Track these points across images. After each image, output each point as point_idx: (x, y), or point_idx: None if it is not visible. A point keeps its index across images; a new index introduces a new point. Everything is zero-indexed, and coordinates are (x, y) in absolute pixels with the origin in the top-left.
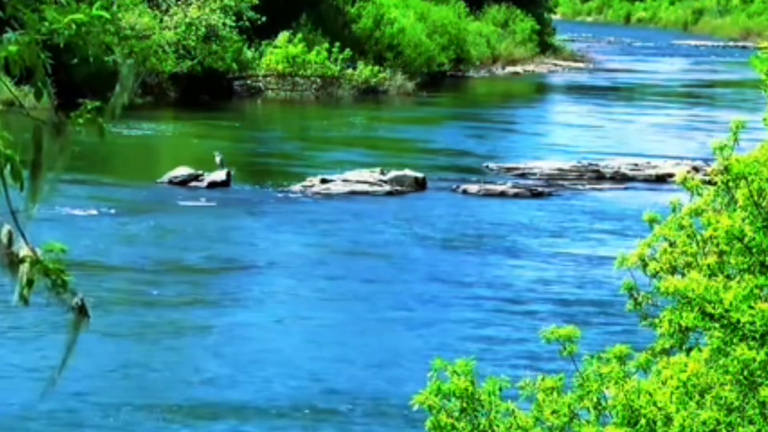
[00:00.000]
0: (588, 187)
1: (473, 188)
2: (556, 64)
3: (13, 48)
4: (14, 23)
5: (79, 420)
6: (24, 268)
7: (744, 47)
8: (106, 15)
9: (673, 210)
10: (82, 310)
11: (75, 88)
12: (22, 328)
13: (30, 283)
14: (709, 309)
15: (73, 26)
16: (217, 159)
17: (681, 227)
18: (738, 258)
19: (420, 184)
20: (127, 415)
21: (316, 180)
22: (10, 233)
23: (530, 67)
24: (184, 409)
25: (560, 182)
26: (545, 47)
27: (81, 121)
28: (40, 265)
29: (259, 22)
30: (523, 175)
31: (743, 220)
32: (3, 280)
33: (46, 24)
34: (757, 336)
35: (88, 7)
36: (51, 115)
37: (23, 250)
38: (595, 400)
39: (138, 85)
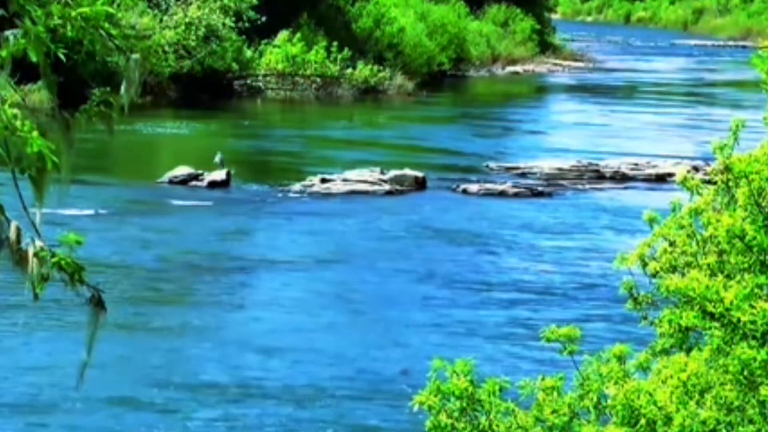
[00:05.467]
0: (588, 186)
1: (473, 188)
2: (556, 64)
3: (21, 43)
4: (18, 20)
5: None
6: (34, 264)
7: (744, 47)
8: (110, 10)
9: (673, 210)
10: (98, 303)
11: (79, 85)
12: (38, 322)
13: (45, 278)
14: (710, 308)
15: (80, 20)
16: (217, 159)
17: (681, 227)
18: (738, 257)
19: (420, 184)
20: (143, 405)
21: (316, 179)
22: (18, 230)
23: (530, 67)
24: (185, 400)
25: (560, 182)
26: (545, 47)
27: (91, 115)
28: (55, 260)
29: (258, 22)
30: (523, 175)
31: (744, 219)
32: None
33: (55, 18)
34: (758, 335)
35: (93, 2)
36: (56, 112)
37: (32, 247)
38: (595, 399)
39: (142, 81)
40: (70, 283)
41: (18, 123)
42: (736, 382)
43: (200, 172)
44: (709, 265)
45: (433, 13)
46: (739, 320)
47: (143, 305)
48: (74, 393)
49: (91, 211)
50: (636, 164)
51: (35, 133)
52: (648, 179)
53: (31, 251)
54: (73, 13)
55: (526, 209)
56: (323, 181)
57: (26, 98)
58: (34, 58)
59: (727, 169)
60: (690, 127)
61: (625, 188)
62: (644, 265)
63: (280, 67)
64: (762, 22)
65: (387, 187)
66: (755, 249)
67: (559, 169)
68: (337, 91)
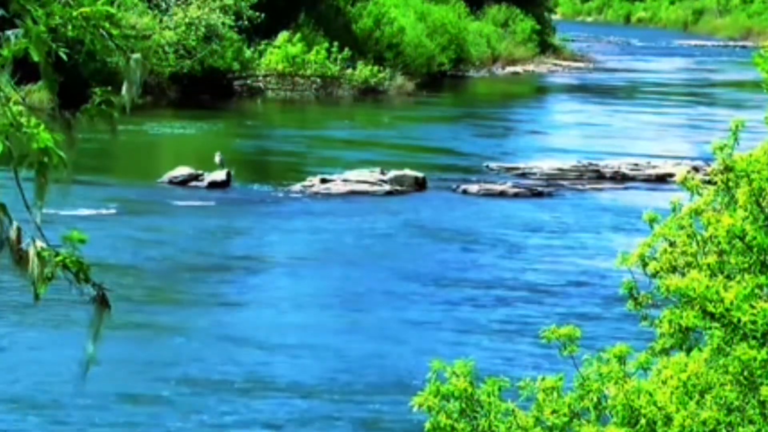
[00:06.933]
0: (588, 187)
1: (473, 188)
2: (556, 64)
3: (22, 43)
4: (18, 20)
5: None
6: (35, 264)
7: (744, 47)
8: (111, 10)
9: (673, 210)
10: (103, 301)
11: (80, 85)
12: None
13: (49, 278)
14: (710, 308)
15: (81, 19)
16: (217, 159)
17: (681, 227)
18: (738, 257)
19: (420, 184)
20: (144, 403)
21: (316, 180)
22: (18, 230)
23: (530, 67)
24: (188, 396)
25: (560, 182)
26: (545, 47)
27: (92, 115)
28: (59, 258)
29: (258, 20)
30: (523, 175)
31: (744, 219)
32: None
33: (56, 18)
34: (758, 335)
35: (93, 2)
36: (57, 112)
37: (32, 247)
38: (595, 400)
39: (142, 81)
40: (75, 281)
41: (23, 120)
42: (736, 382)
43: (200, 172)
44: (709, 265)
45: (433, 14)
46: (739, 320)
47: (143, 305)
48: (80, 390)
49: (91, 211)
50: (636, 164)
51: (41, 127)
52: (648, 179)
53: (32, 251)
54: (74, 13)
55: (526, 209)
56: (323, 181)
57: (27, 98)
58: (35, 58)
59: (728, 169)
60: (690, 127)
61: (625, 188)
62: (644, 265)
63: (280, 67)
64: (762, 22)
65: (387, 187)
66: (755, 249)
67: (559, 169)
68: (337, 91)
